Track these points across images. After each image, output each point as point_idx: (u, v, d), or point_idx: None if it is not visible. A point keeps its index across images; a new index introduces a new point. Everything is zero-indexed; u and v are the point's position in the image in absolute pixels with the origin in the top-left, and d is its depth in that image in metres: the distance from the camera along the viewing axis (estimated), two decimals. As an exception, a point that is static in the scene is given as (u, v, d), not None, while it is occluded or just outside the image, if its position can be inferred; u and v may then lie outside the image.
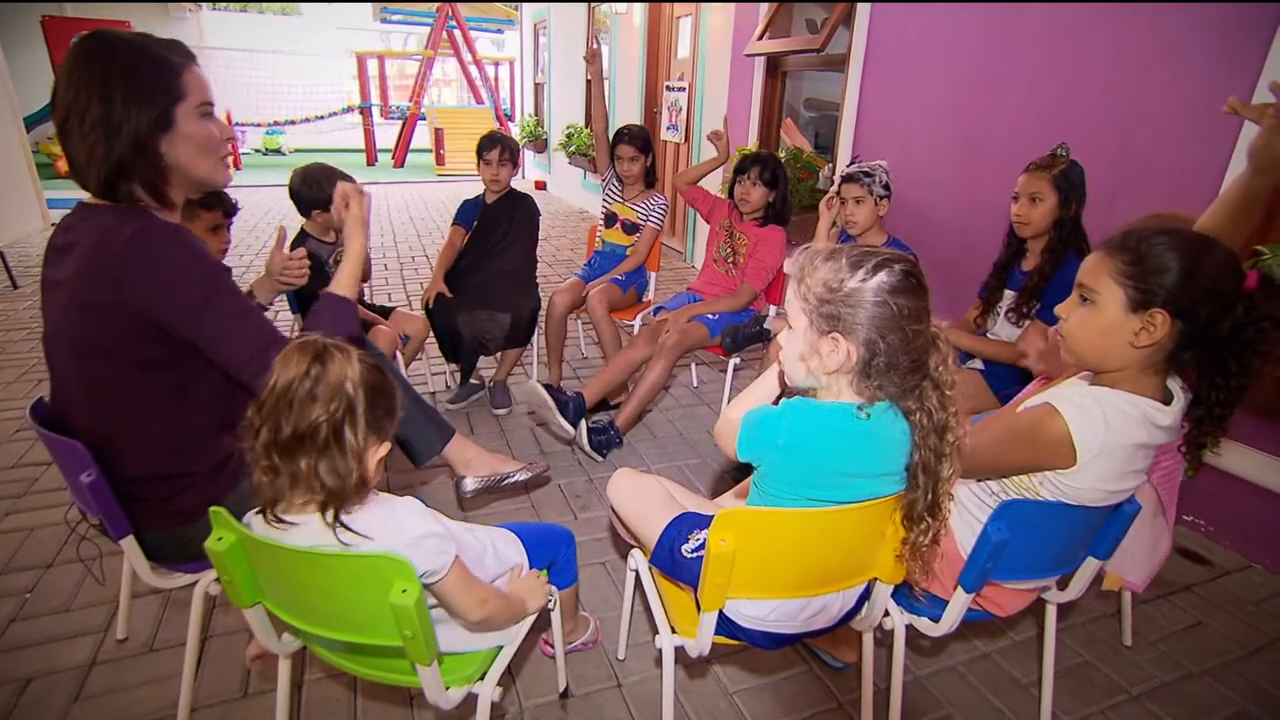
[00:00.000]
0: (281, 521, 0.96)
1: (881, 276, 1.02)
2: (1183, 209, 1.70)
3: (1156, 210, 1.73)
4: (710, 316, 2.76)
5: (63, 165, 8.80)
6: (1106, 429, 1.12)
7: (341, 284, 1.49)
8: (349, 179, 2.48)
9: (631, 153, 3.09)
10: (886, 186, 2.43)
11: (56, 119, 1.19)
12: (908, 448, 1.09)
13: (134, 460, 1.28)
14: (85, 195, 1.25)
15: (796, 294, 1.10)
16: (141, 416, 1.27)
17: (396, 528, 0.98)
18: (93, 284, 1.16)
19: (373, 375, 0.96)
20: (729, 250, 2.93)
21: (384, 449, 1.00)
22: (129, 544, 1.29)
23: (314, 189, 2.45)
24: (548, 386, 2.49)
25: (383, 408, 0.97)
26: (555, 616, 1.44)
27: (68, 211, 1.29)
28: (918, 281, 1.03)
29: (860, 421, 1.07)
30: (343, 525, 0.95)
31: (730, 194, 2.88)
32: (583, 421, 2.54)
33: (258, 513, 0.98)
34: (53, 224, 6.41)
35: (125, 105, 1.16)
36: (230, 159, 1.38)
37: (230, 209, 2.25)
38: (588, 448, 2.57)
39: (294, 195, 2.50)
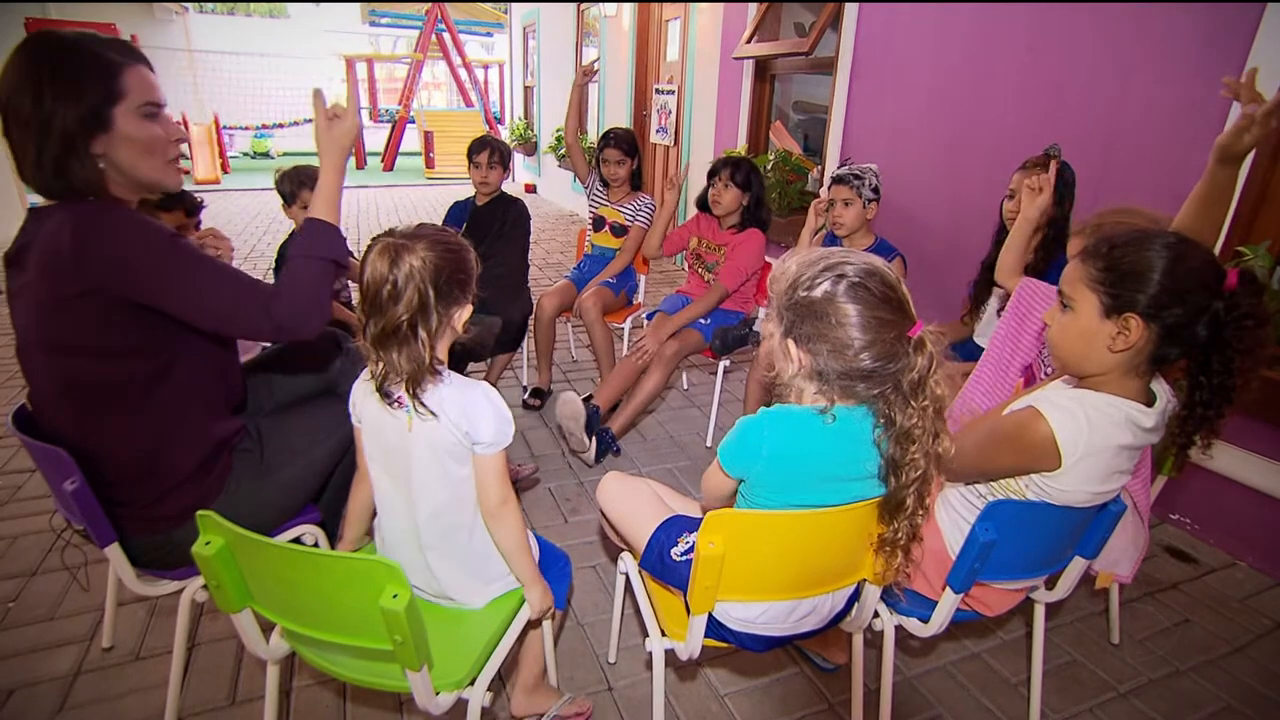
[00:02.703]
0: (389, 398, 1.12)
1: (826, 286, 1.03)
2: (1152, 208, 1.72)
3: (1121, 205, 1.75)
4: (703, 321, 2.76)
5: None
6: (1090, 431, 1.13)
7: (318, 206, 1.37)
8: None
9: (618, 156, 3.09)
10: (876, 190, 2.43)
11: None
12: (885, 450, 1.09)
13: (117, 460, 1.28)
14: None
15: (770, 294, 1.13)
16: (121, 411, 1.26)
17: (471, 398, 1.14)
18: (53, 278, 1.15)
19: (437, 258, 1.08)
20: (703, 271, 2.91)
21: (467, 310, 1.16)
22: (114, 551, 1.27)
23: (283, 183, 2.48)
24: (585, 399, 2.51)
25: (454, 282, 1.11)
26: (546, 626, 1.44)
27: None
28: (869, 291, 1.02)
29: (827, 424, 1.07)
30: (419, 401, 1.10)
31: (702, 202, 2.87)
32: (593, 437, 2.55)
33: (375, 393, 1.13)
34: (36, 229, 6.32)
35: (54, 102, 1.14)
36: (180, 161, 1.35)
37: (192, 208, 2.23)
38: (591, 461, 2.57)
39: (275, 188, 2.53)
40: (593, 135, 7.33)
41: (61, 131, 1.15)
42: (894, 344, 1.03)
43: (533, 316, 3.06)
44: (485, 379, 3.03)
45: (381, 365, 1.10)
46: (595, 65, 3.28)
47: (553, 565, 1.38)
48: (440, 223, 2.94)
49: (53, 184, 1.19)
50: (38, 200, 1.26)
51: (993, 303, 2.25)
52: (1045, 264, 2.05)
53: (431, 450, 1.15)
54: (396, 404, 1.14)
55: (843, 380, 1.06)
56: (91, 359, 1.21)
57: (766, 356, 1.15)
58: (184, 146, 1.34)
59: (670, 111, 5.76)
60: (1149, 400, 1.19)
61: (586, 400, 2.57)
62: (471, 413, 1.13)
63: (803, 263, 1.08)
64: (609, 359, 2.95)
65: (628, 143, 3.10)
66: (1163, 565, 2.19)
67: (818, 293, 1.04)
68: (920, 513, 1.09)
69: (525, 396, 3.14)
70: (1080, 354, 1.19)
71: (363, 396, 1.20)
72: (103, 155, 1.21)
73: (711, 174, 2.79)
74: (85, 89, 1.17)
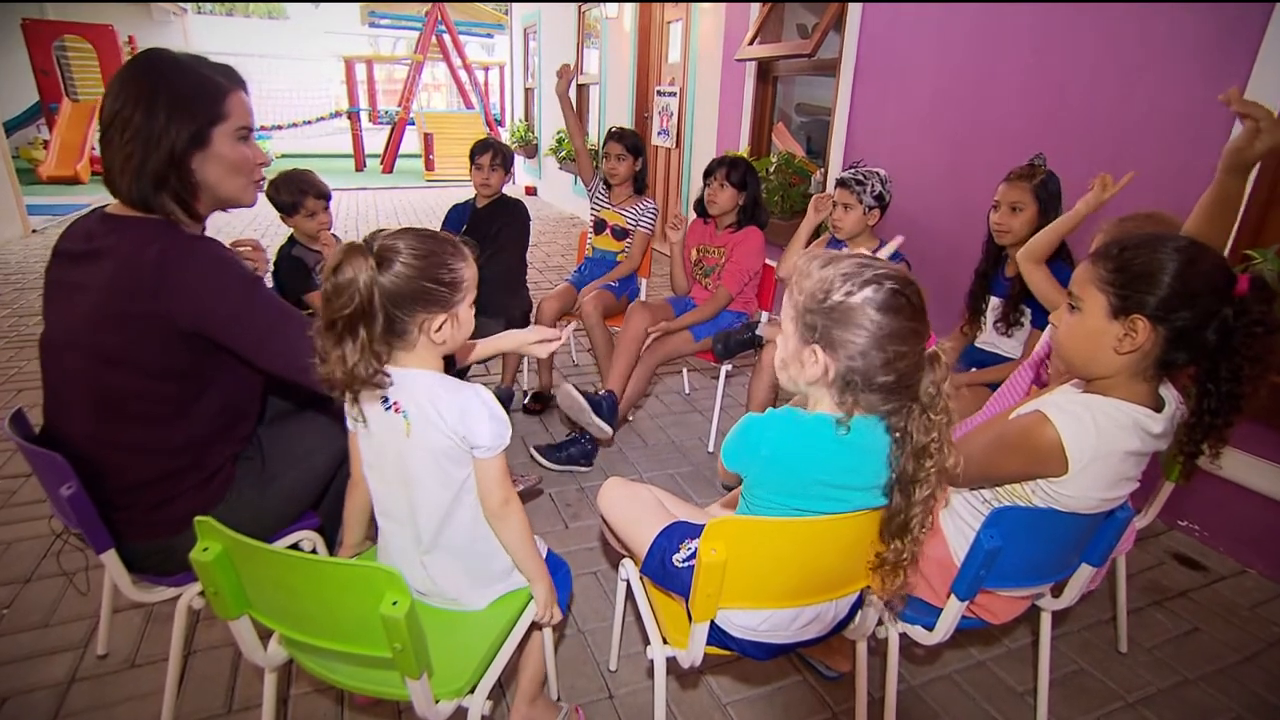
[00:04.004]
0: (358, 402, 1.12)
1: (867, 293, 1.00)
2: (1173, 213, 1.71)
3: (1138, 208, 1.74)
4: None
5: (44, 170, 8.77)
6: (1098, 436, 1.12)
7: (471, 352, 1.51)
8: (319, 189, 2.46)
9: (619, 150, 3.07)
10: (879, 198, 2.40)
11: (101, 126, 1.23)
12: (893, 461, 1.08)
13: (131, 468, 1.28)
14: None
15: (788, 297, 1.10)
16: (149, 422, 1.27)
17: (465, 401, 1.12)
18: (130, 294, 1.18)
19: (397, 281, 1.04)
20: (702, 276, 2.91)
21: (440, 319, 1.10)
22: (110, 558, 1.26)
23: (282, 194, 2.45)
24: (556, 446, 2.55)
25: (419, 299, 1.07)
26: (547, 635, 1.43)
27: (78, 216, 1.32)
28: (907, 301, 1.01)
29: (841, 435, 1.05)
30: (358, 405, 1.11)
31: (700, 205, 2.85)
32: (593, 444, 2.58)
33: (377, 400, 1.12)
34: (34, 230, 6.30)
35: (167, 120, 1.20)
36: (260, 182, 1.42)
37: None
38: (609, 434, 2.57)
39: (270, 199, 2.49)
40: (594, 139, 7.32)
41: (170, 148, 1.22)
42: (919, 356, 1.02)
43: (534, 316, 3.04)
44: (502, 381, 3.05)
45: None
46: (570, 66, 3.28)
47: (553, 573, 1.36)
48: (440, 225, 2.95)
49: (149, 195, 1.23)
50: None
51: (990, 314, 2.24)
52: None
53: (430, 455, 1.14)
54: (393, 409, 1.13)
55: (867, 391, 1.03)
56: (136, 372, 1.23)
57: (779, 365, 1.13)
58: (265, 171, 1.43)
59: (672, 114, 5.75)
60: (1158, 406, 1.18)
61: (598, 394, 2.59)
62: (468, 416, 1.11)
63: (836, 268, 1.05)
64: (609, 361, 2.93)
65: (630, 141, 3.08)
66: (1171, 573, 2.18)
67: (856, 299, 1.01)
68: (924, 531, 1.07)
69: (525, 401, 3.12)
70: (1087, 355, 1.17)
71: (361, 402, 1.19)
72: (194, 170, 1.27)
73: (707, 174, 2.77)
74: (197, 109, 1.24)
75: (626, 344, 2.66)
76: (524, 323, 2.93)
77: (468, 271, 1.14)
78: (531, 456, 2.58)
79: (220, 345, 1.26)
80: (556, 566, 1.40)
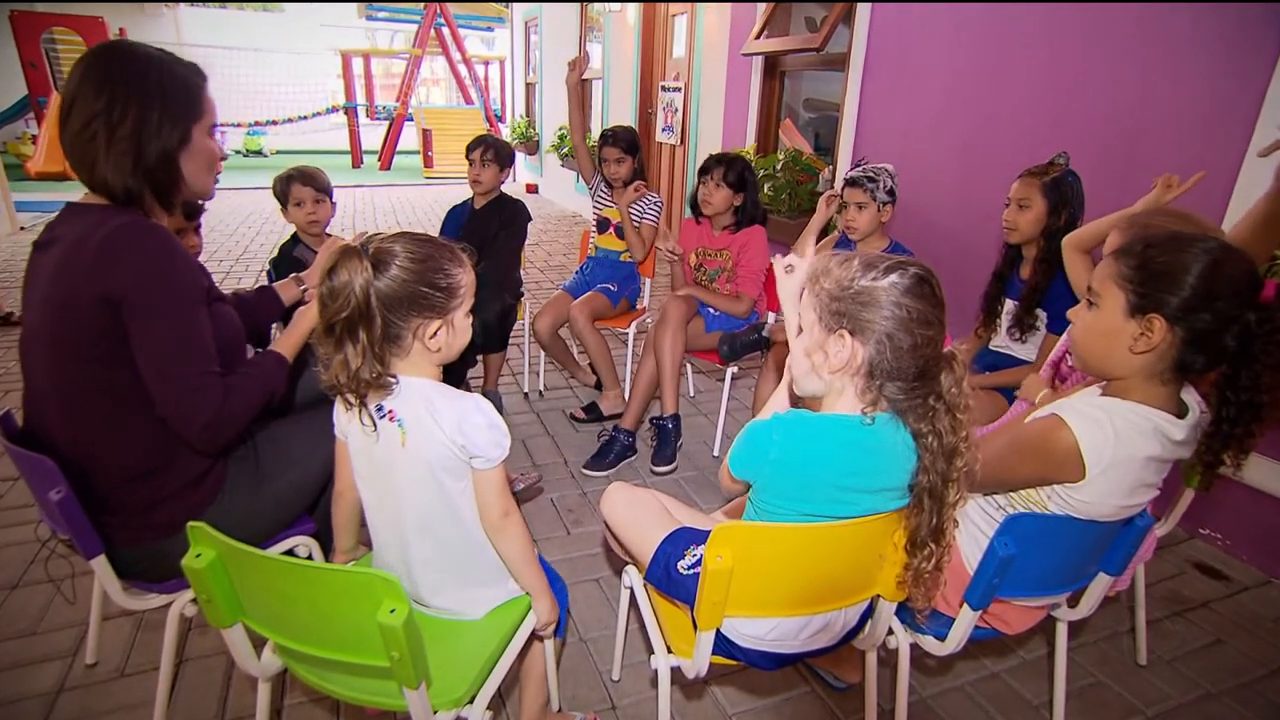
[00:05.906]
0: (365, 406, 1.09)
1: (894, 277, 1.02)
2: (1190, 210, 1.67)
3: (1176, 209, 1.70)
4: (711, 311, 2.73)
5: (32, 166, 8.66)
6: (1116, 441, 1.10)
7: (286, 345, 1.46)
8: (313, 180, 2.41)
9: (617, 154, 3.02)
10: (891, 192, 2.37)
11: (75, 123, 1.18)
12: (910, 464, 1.06)
13: (111, 465, 1.25)
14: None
15: (810, 293, 1.09)
16: (118, 417, 1.24)
17: (464, 411, 1.09)
18: (69, 276, 1.15)
19: (393, 285, 1.03)
20: (706, 280, 2.86)
21: (433, 324, 1.09)
22: (100, 563, 1.24)
23: (283, 186, 2.42)
24: (597, 455, 2.62)
25: (414, 304, 1.06)
26: (549, 649, 1.41)
27: (53, 216, 1.30)
28: (930, 289, 1.02)
29: (860, 433, 1.04)
30: (366, 409, 1.09)
31: (693, 203, 2.81)
32: (630, 435, 2.66)
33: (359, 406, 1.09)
34: (21, 227, 6.27)
35: (161, 121, 1.21)
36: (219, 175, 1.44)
37: (191, 211, 2.17)
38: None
39: (275, 194, 2.46)
40: (594, 137, 7.28)
41: (162, 149, 1.23)
42: (939, 348, 1.02)
43: (530, 321, 3.01)
44: (485, 385, 3.01)
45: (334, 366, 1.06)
46: (581, 58, 3.22)
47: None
48: (440, 228, 2.90)
49: (135, 191, 1.22)
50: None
51: (1005, 317, 2.20)
52: (1047, 279, 2.00)
53: (427, 466, 1.12)
54: (387, 417, 1.10)
55: (892, 379, 1.03)
56: (89, 362, 1.19)
57: (800, 357, 1.11)
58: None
59: (676, 110, 5.70)
60: (1180, 411, 1.15)
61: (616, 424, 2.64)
62: (465, 424, 1.09)
63: (856, 260, 1.06)
64: (607, 364, 2.94)
65: (626, 140, 3.03)
66: (1192, 582, 2.14)
67: (883, 283, 1.01)
68: (952, 535, 1.07)
69: (575, 411, 3.08)
70: (1101, 354, 1.16)
71: (349, 411, 1.16)
72: (181, 167, 1.28)
73: (703, 171, 2.73)
74: (186, 111, 1.26)
75: (644, 387, 2.65)
76: (500, 323, 2.86)
77: (465, 278, 1.12)
78: (584, 475, 2.59)
79: (127, 331, 1.17)
80: (552, 580, 1.37)
